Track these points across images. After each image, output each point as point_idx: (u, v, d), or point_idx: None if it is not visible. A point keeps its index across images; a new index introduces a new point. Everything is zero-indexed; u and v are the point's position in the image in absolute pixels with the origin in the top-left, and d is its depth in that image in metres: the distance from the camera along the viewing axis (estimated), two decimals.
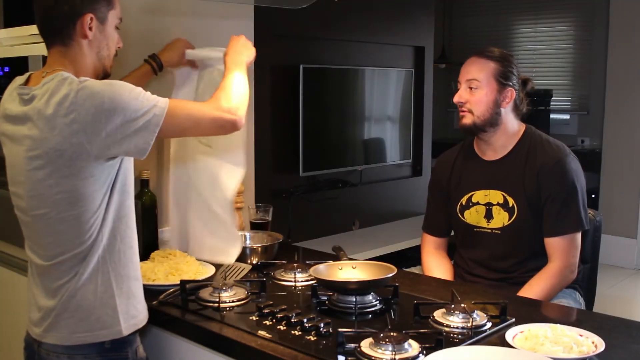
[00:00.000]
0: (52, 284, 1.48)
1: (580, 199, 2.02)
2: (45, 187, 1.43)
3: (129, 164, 1.52)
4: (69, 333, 1.46)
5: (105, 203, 1.46)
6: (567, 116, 6.11)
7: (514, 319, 1.55)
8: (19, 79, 1.56)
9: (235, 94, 1.60)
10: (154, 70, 1.96)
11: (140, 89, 1.45)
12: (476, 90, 2.04)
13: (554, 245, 2.00)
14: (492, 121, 2.05)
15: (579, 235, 2.03)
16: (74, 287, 1.45)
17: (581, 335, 1.39)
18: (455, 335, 1.45)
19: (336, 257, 1.93)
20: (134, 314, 1.52)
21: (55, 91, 1.41)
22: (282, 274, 1.90)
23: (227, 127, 1.57)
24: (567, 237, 2.00)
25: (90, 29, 1.50)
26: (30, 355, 1.55)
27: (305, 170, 4.11)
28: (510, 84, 2.05)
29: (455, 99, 2.08)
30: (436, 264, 2.22)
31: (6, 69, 2.28)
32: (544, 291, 1.96)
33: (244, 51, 1.78)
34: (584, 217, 2.02)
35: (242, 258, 1.98)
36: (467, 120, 2.07)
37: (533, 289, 1.97)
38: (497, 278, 2.09)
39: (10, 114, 1.51)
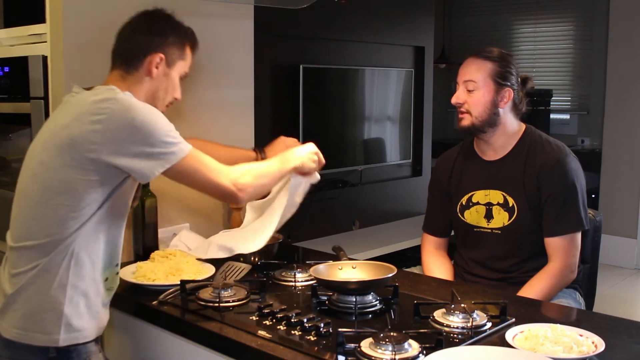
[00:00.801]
0: (12, 269, 1.49)
1: (580, 199, 2.02)
2: (44, 169, 1.46)
3: (128, 191, 1.55)
4: (9, 326, 1.47)
5: (91, 211, 1.47)
6: (567, 116, 6.11)
7: (514, 319, 1.54)
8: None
9: (256, 175, 1.64)
10: (257, 159, 2.03)
11: (173, 126, 1.50)
12: (473, 91, 2.04)
13: (554, 245, 2.00)
14: (491, 122, 2.05)
15: (579, 235, 2.03)
16: (28, 281, 1.45)
17: (581, 335, 1.39)
18: (455, 335, 1.45)
19: (336, 257, 1.93)
20: (77, 327, 1.48)
21: (98, 93, 1.48)
22: (282, 274, 1.90)
23: (226, 196, 1.62)
24: (567, 236, 2.00)
25: (156, 67, 1.59)
26: None
27: None
28: (508, 84, 2.05)
29: (453, 100, 2.08)
30: (436, 264, 2.22)
31: (6, 69, 2.28)
32: (544, 291, 1.96)
33: (300, 157, 1.78)
34: (584, 217, 2.02)
35: (242, 258, 1.98)
36: (466, 122, 2.07)
37: (533, 288, 1.97)
38: (497, 278, 2.09)
39: (63, 101, 1.59)
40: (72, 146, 1.43)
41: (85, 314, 1.50)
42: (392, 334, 1.34)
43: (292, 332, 1.46)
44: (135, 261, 1.96)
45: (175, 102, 1.70)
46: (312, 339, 1.42)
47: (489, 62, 2.04)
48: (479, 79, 2.03)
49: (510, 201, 2.05)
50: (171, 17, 1.67)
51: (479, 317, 1.51)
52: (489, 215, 2.09)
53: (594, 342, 1.37)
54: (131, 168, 1.45)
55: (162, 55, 1.60)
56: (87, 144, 1.42)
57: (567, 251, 2.00)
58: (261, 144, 2.23)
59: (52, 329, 1.46)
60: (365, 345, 1.34)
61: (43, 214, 1.46)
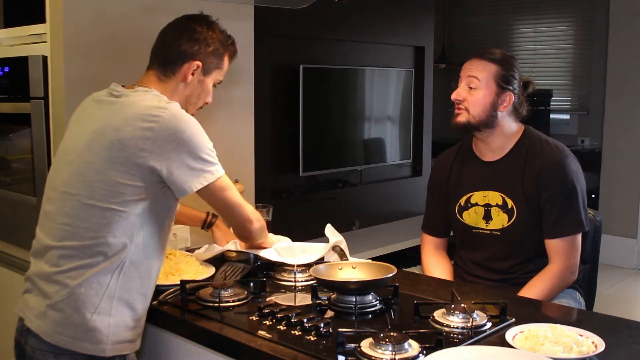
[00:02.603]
0: (53, 268, 1.48)
1: (580, 200, 2.01)
2: (91, 171, 1.47)
3: (173, 208, 1.59)
4: (53, 331, 1.46)
5: (136, 219, 1.48)
6: (567, 116, 6.11)
7: (514, 319, 1.54)
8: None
9: (263, 223, 1.78)
10: (204, 225, 2.04)
11: (212, 144, 1.55)
12: (475, 90, 2.04)
13: (555, 246, 2.00)
14: (488, 123, 2.05)
15: (579, 237, 2.02)
16: (76, 289, 1.45)
17: (581, 335, 1.39)
18: (455, 335, 1.45)
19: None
20: (122, 339, 1.51)
21: (146, 98, 1.52)
22: (282, 274, 1.90)
23: (244, 223, 1.70)
24: (568, 238, 2.00)
25: (192, 74, 1.63)
26: (20, 353, 1.55)
27: (305, 170, 4.11)
28: (510, 88, 2.04)
29: (453, 96, 2.07)
30: (436, 265, 2.21)
31: (6, 69, 2.28)
32: (544, 292, 1.96)
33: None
34: (584, 219, 2.02)
35: (243, 258, 1.98)
36: (462, 118, 2.06)
37: (533, 289, 1.97)
38: (497, 279, 2.09)
39: (97, 98, 1.61)
40: (121, 150, 1.45)
41: (132, 326, 1.53)
42: (392, 334, 1.34)
43: (292, 332, 1.46)
44: None
45: (206, 106, 1.74)
46: (312, 339, 1.42)
47: (493, 64, 2.03)
48: (482, 78, 2.03)
49: (510, 203, 2.05)
50: (214, 25, 1.69)
51: (479, 317, 1.51)
52: (487, 217, 2.09)
53: (594, 342, 1.36)
54: (172, 179, 1.48)
55: (199, 64, 1.63)
56: (136, 149, 1.45)
57: (568, 253, 2.00)
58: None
59: (100, 339, 1.47)
60: (365, 345, 1.34)
61: (90, 215, 1.46)
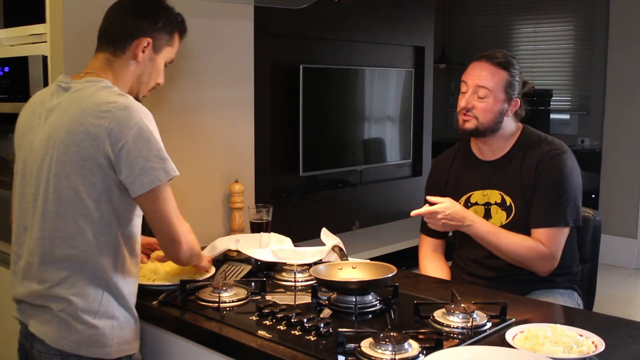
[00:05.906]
0: (40, 285, 1.46)
1: (572, 195, 2.00)
2: (56, 179, 1.44)
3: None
4: (59, 337, 1.45)
5: (109, 224, 1.46)
6: (567, 116, 6.11)
7: (514, 319, 1.55)
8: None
9: (195, 240, 1.60)
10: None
11: (162, 144, 1.47)
12: (485, 99, 2.02)
13: (538, 235, 1.98)
14: (494, 128, 2.05)
15: (565, 231, 2.00)
16: (68, 295, 1.44)
17: (581, 335, 1.39)
18: (455, 335, 1.45)
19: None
20: (127, 339, 1.52)
21: (96, 92, 1.46)
22: (282, 274, 1.90)
23: (172, 242, 1.52)
24: (553, 229, 1.98)
25: (142, 51, 1.56)
26: (24, 356, 1.54)
27: (305, 170, 4.11)
28: (516, 93, 2.05)
29: (463, 104, 2.05)
30: (433, 267, 2.21)
31: (6, 69, 2.28)
32: (516, 244, 1.96)
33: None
34: (571, 215, 2.00)
35: (243, 258, 1.98)
36: (471, 125, 2.05)
37: (511, 235, 1.97)
38: (495, 276, 2.09)
39: (45, 105, 1.53)
40: (78, 152, 1.42)
41: (134, 324, 1.54)
42: (392, 334, 1.34)
43: (292, 332, 1.46)
44: None
45: (158, 87, 1.66)
46: (312, 339, 1.42)
47: (502, 70, 2.03)
48: (492, 87, 2.01)
49: (508, 200, 2.06)
50: (162, 1, 1.62)
51: (479, 317, 1.51)
52: (487, 215, 2.09)
53: (594, 342, 1.37)
54: (125, 175, 1.43)
55: (149, 40, 1.56)
56: (94, 148, 1.41)
57: (549, 241, 1.97)
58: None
59: (105, 342, 1.47)
60: (365, 345, 1.34)
61: (64, 225, 1.44)
